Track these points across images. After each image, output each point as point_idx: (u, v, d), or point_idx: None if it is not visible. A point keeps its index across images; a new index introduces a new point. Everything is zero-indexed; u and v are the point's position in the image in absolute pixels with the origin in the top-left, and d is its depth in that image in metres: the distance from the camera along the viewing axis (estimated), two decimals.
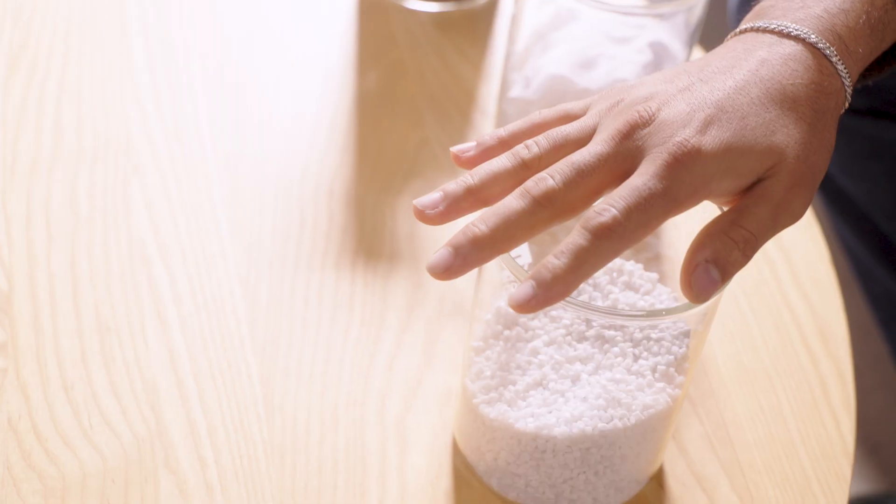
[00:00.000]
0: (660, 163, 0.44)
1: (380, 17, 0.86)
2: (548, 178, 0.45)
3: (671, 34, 0.71)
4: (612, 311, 0.51)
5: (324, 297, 0.66)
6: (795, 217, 0.48)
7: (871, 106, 0.97)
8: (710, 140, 0.45)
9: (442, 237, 0.45)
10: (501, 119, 0.75)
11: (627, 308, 0.56)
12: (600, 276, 0.57)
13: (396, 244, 0.70)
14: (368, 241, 0.70)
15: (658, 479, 0.60)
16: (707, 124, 0.45)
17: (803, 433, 0.64)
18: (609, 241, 0.43)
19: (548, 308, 0.44)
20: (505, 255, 0.47)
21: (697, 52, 0.78)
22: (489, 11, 0.87)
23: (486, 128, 0.79)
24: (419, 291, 0.67)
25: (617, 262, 0.58)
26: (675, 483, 0.60)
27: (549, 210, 0.45)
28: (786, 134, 0.46)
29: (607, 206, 0.43)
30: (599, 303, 0.56)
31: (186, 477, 0.57)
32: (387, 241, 0.70)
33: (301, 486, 0.57)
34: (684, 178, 0.44)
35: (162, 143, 0.73)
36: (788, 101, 0.47)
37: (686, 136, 0.45)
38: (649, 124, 0.46)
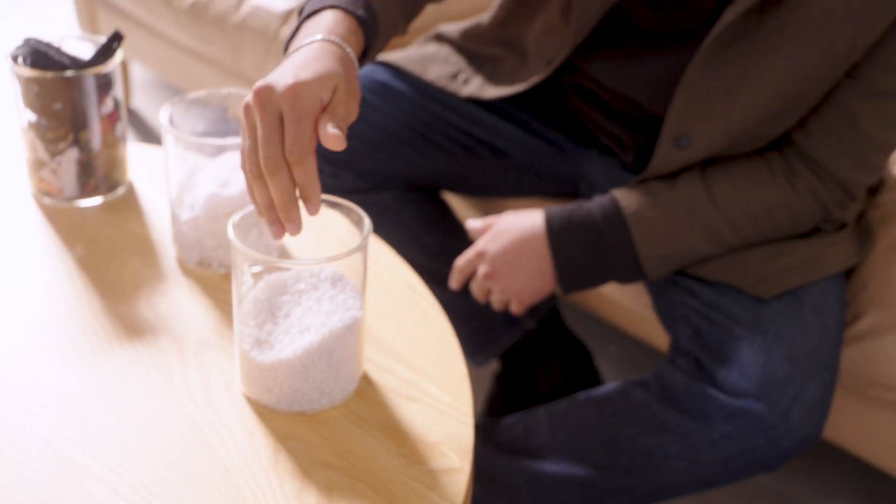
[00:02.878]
0: None
1: (60, 216, 1.01)
2: None
3: None
4: (299, 262, 0.75)
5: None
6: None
7: (355, 187, 1.23)
8: None
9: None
10: (180, 238, 0.95)
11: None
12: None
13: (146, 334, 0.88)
14: (130, 333, 0.88)
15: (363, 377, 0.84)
16: None
17: (424, 334, 0.89)
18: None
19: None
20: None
21: None
22: (130, 194, 1.06)
23: (169, 255, 0.98)
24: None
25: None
26: (370, 371, 0.84)
27: None
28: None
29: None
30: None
31: None
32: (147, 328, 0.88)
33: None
34: None
35: None
36: None
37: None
38: None
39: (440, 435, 0.79)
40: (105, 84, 1.01)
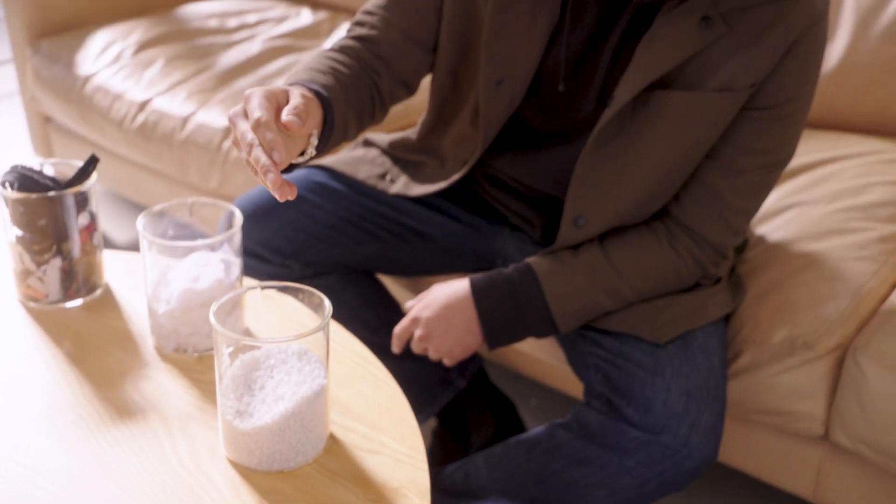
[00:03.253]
0: None
1: (47, 318, 1.04)
2: None
3: (227, 253, 0.98)
4: (270, 340, 0.82)
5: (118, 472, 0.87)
6: None
7: (302, 274, 1.29)
8: None
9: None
10: (157, 329, 0.99)
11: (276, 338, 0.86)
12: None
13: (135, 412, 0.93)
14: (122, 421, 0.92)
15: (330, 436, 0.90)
16: None
17: (377, 395, 0.95)
18: None
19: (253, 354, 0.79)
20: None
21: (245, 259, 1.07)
22: (107, 294, 1.10)
23: (147, 344, 1.00)
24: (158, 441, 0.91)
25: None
26: (335, 430, 0.90)
27: None
28: None
29: None
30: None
31: None
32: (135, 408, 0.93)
33: None
34: None
35: None
36: None
37: None
38: None
39: (401, 480, 0.84)
40: (82, 200, 1.06)
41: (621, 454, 1.05)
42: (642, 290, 1.12)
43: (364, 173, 1.29)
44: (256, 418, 0.83)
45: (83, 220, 1.07)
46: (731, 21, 1.01)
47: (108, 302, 1.09)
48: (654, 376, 1.06)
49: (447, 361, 1.17)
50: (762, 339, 1.18)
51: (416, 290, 1.43)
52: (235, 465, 0.85)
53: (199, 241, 0.98)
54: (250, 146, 0.83)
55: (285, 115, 0.85)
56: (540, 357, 1.38)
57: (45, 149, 2.18)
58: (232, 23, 2.12)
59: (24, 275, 1.07)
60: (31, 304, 1.08)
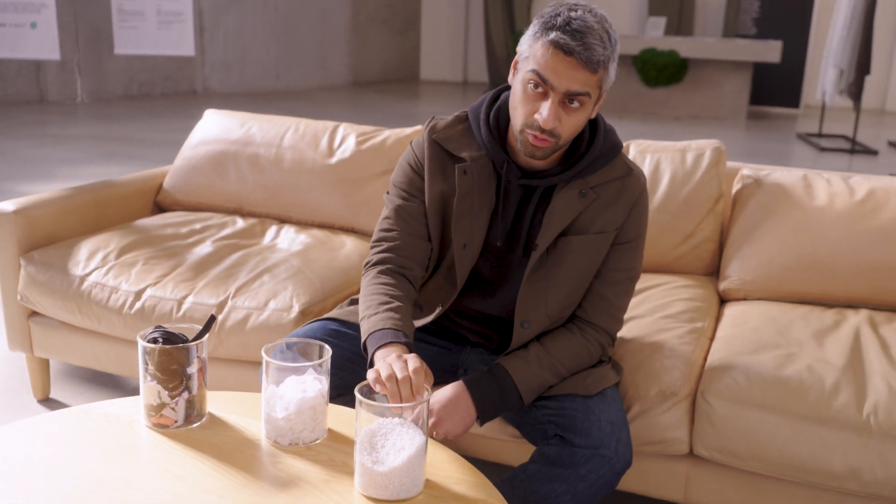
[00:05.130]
0: None
1: (182, 437, 1.22)
2: None
3: (318, 373, 1.22)
4: (390, 405, 1.10)
5: None
6: None
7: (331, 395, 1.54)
8: None
9: None
10: (275, 430, 1.21)
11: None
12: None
13: None
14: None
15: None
16: None
17: (435, 450, 1.23)
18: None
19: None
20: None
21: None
22: (212, 417, 1.29)
23: (264, 443, 1.23)
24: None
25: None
26: (431, 476, 1.16)
27: None
28: None
29: None
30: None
31: None
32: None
33: None
34: None
35: None
36: None
37: None
38: None
39: (479, 497, 1.12)
40: (199, 349, 1.28)
41: (576, 467, 1.36)
42: (571, 367, 1.48)
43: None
44: (389, 463, 1.08)
45: (199, 364, 1.29)
46: (597, 191, 1.46)
47: (216, 421, 1.29)
48: (589, 414, 1.40)
49: (452, 436, 1.44)
50: (643, 394, 1.56)
51: None
52: (369, 498, 1.09)
53: (306, 363, 1.23)
54: (403, 383, 1.16)
55: (424, 396, 1.16)
56: (489, 434, 1.68)
57: (21, 340, 2.23)
58: (183, 230, 2.34)
59: (160, 407, 1.26)
60: (161, 430, 1.26)
